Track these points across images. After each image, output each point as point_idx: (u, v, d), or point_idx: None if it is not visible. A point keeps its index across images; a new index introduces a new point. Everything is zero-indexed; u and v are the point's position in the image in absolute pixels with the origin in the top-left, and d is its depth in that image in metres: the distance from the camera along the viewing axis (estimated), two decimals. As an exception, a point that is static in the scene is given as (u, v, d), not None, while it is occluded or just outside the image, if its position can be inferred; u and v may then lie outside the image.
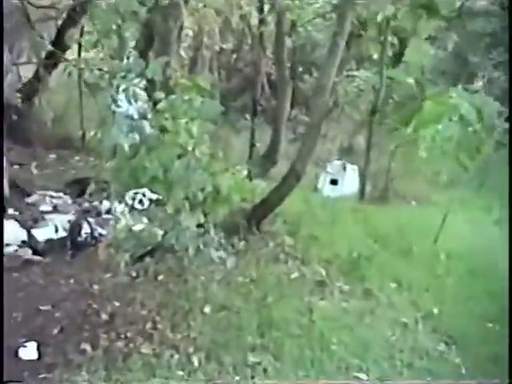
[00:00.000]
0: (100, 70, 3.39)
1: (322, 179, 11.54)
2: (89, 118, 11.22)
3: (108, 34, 3.67)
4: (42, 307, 5.14)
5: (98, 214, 6.95)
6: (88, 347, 4.66)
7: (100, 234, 6.42)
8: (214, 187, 3.88)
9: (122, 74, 3.50)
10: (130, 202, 7.52)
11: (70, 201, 7.43)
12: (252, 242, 6.89)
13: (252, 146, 11.50)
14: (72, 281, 5.66)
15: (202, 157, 3.83)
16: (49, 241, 6.19)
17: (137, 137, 3.67)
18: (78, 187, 7.45)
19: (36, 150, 10.44)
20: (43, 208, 7.18)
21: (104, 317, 5.11)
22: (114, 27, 3.63)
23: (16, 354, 4.47)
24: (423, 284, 6.52)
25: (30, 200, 7.37)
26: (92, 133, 9.05)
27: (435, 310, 5.92)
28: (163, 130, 3.68)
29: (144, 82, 3.93)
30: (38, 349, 4.54)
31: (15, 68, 10.64)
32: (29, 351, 4.50)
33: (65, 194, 7.66)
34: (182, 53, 14.06)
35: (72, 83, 10.59)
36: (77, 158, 10.52)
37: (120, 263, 4.54)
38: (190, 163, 3.71)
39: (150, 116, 3.83)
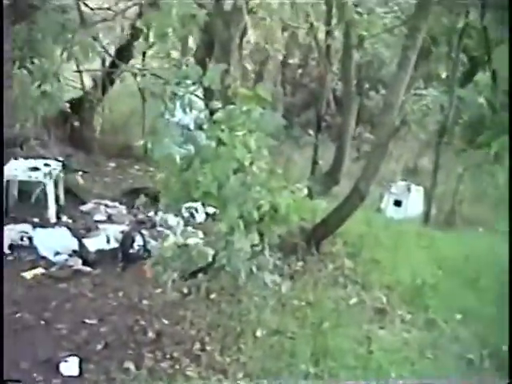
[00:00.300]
0: (155, 76, 3.18)
1: (385, 200, 11.17)
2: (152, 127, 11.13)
3: (164, 39, 3.45)
4: (87, 320, 4.96)
5: (153, 225, 6.77)
6: (132, 366, 4.44)
7: (153, 247, 6.22)
8: (272, 205, 3.59)
9: (177, 80, 3.27)
10: (185, 214, 7.35)
11: (124, 211, 7.28)
12: (310, 263, 6.56)
13: (314, 162, 11.20)
14: (121, 294, 5.47)
15: (260, 173, 3.54)
16: (100, 251, 6.03)
17: (191, 148, 3.43)
18: (134, 197, 7.30)
19: (96, 158, 10.43)
20: (97, 217, 7.06)
21: (151, 334, 4.88)
22: (171, 32, 3.42)
23: (57, 368, 4.29)
24: (491, 317, 6.05)
25: (84, 208, 7.26)
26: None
27: (504, 348, 5.46)
28: (219, 142, 3.43)
29: (201, 90, 3.71)
30: (80, 365, 4.35)
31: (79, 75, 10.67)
32: (70, 367, 4.30)
33: (120, 203, 7.52)
34: (247, 65, 13.91)
35: (135, 91, 10.54)
36: (136, 167, 10.43)
37: (167, 282, 4.30)
38: (247, 179, 3.44)
39: (205, 127, 3.59)
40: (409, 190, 11.16)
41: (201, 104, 3.72)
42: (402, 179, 12.05)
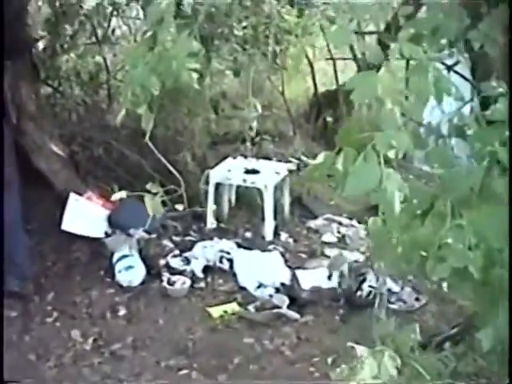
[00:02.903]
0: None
1: None
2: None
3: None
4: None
5: (394, 258, 5.01)
6: None
7: (390, 291, 4.48)
8: None
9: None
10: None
11: (362, 232, 5.60)
12: None
13: None
14: (331, 359, 3.84)
15: None
16: (316, 290, 4.44)
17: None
18: (371, 214, 5.62)
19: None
20: (326, 238, 5.48)
21: None
22: None
23: None
24: None
25: (313, 224, 5.72)
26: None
27: None
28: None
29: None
30: None
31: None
32: None
33: (359, 222, 5.85)
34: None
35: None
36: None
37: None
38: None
39: (470, 132, 1.81)
40: None
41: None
42: None
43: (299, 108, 10.04)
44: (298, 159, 7.86)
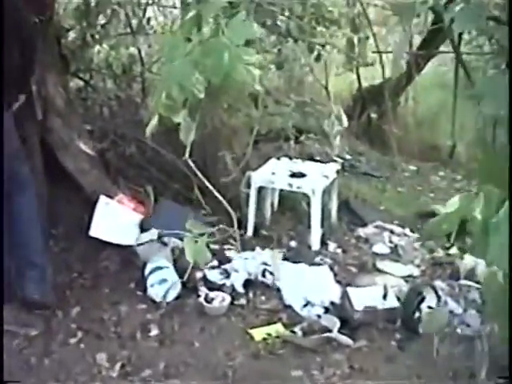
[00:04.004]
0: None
1: None
2: (463, 126, 8.87)
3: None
4: None
5: (455, 274, 4.49)
6: None
7: (452, 313, 3.97)
8: None
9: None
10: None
11: (416, 243, 5.09)
12: None
13: None
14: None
15: None
16: (370, 311, 3.94)
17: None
18: (423, 221, 5.10)
19: (393, 159, 8.35)
20: (378, 249, 4.99)
21: None
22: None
23: None
24: None
25: (362, 233, 5.23)
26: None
27: None
28: None
29: None
30: None
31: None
32: None
33: (412, 230, 5.34)
34: None
35: (448, 79, 8.20)
36: (441, 173, 8.14)
37: None
38: None
39: None
40: None
41: None
42: None
43: (342, 104, 9.51)
44: (343, 158, 7.37)
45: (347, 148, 7.96)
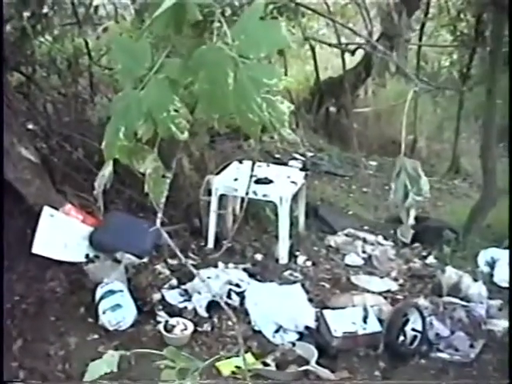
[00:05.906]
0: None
1: None
2: (424, 120, 8.64)
3: None
4: None
5: (436, 290, 4.15)
6: None
7: (438, 336, 3.63)
8: None
9: None
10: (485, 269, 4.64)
11: (392, 252, 4.74)
12: None
13: None
14: None
15: None
16: (349, 337, 3.56)
17: None
18: (396, 226, 4.77)
19: (354, 155, 8.00)
20: (350, 260, 4.61)
21: None
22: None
23: None
24: None
25: (332, 242, 4.84)
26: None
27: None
28: None
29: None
30: None
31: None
32: None
33: (385, 238, 4.99)
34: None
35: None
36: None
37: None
38: None
39: None
40: None
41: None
42: None
43: (299, 97, 9.11)
44: (304, 156, 6.99)
45: (307, 144, 7.59)
